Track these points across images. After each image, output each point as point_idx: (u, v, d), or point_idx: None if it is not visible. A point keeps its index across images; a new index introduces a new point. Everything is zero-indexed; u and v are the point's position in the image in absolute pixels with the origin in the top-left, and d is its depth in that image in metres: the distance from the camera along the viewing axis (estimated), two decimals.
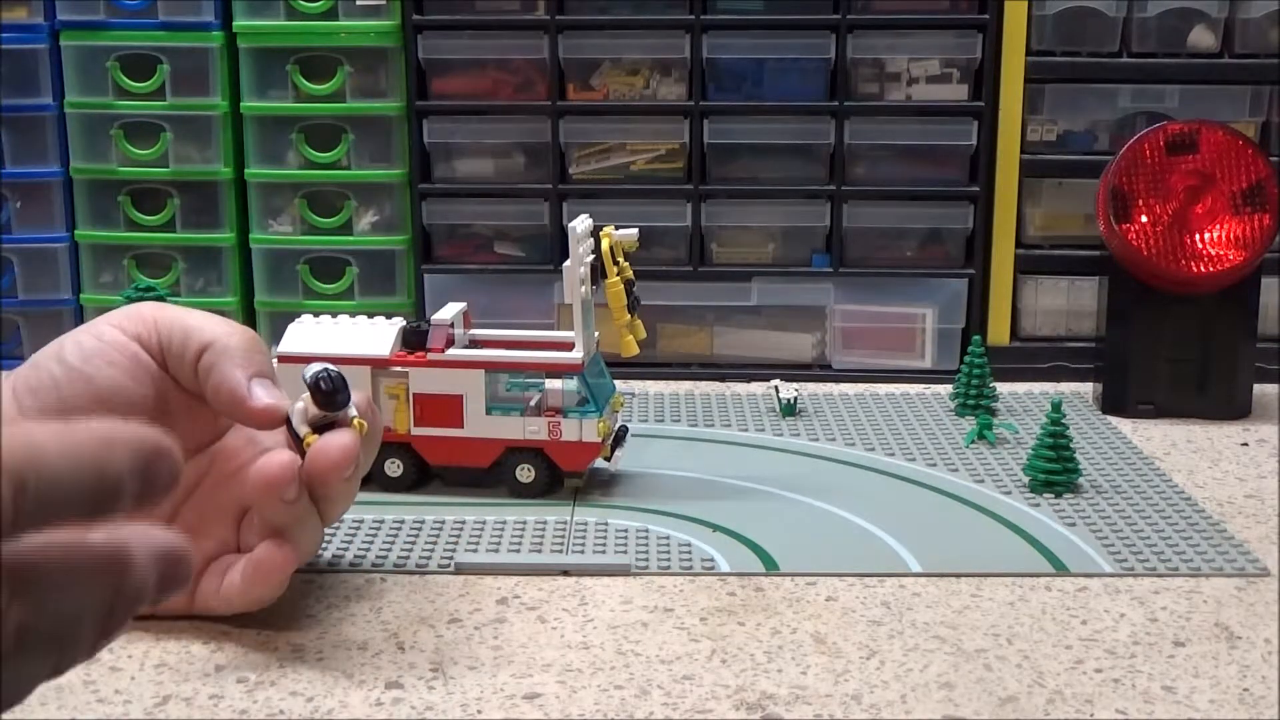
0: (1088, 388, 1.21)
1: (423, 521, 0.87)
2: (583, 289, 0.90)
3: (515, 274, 1.28)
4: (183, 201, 1.28)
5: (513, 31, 1.24)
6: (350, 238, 1.28)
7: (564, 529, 0.86)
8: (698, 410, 1.14)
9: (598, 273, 0.92)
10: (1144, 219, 1.11)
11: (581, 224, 0.91)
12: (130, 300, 1.03)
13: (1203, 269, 1.10)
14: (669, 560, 0.81)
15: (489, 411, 0.91)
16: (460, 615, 0.74)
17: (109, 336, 0.68)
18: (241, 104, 1.26)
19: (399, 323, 0.93)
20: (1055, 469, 0.93)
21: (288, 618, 0.72)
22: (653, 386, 1.23)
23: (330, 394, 0.69)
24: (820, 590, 0.77)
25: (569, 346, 0.93)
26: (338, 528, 0.85)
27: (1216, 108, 1.21)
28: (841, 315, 1.27)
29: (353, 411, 0.70)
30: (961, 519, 0.89)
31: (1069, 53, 1.22)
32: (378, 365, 0.91)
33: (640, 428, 1.08)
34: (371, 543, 0.84)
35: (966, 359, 1.12)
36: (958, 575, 0.79)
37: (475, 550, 0.82)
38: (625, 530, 0.86)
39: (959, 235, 1.26)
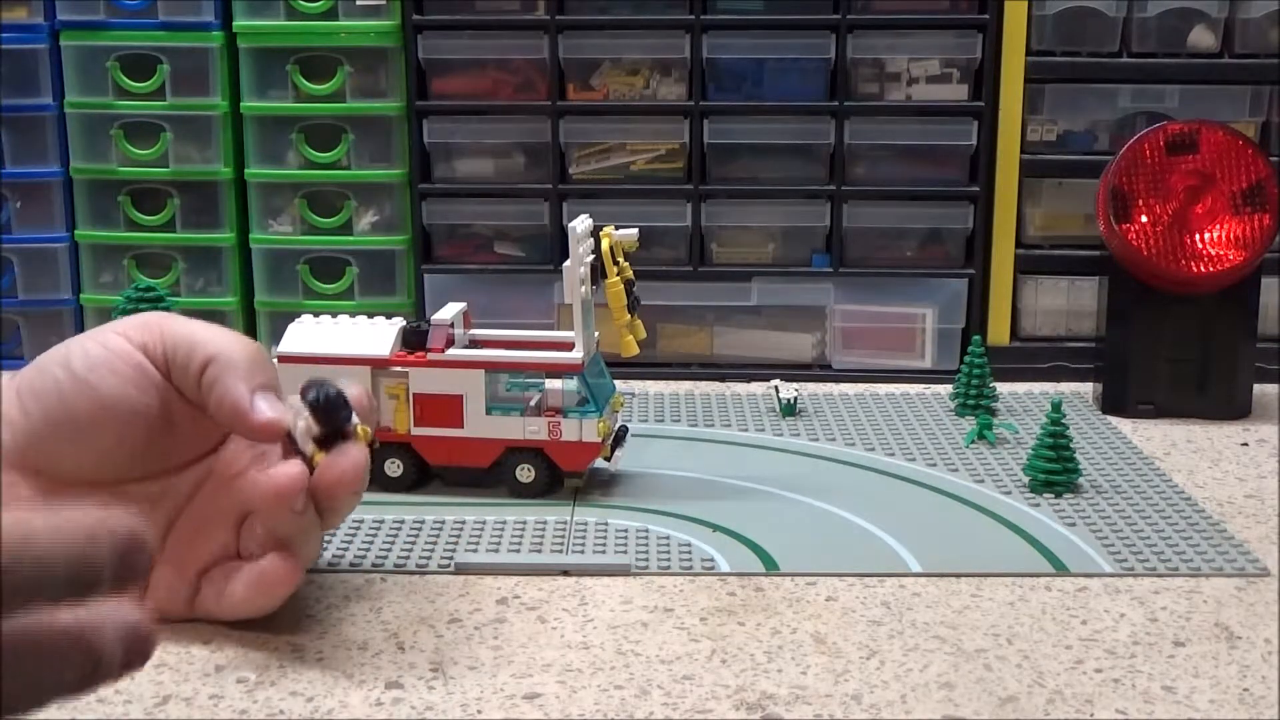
0: (1088, 388, 1.21)
1: (423, 521, 0.87)
2: (583, 289, 0.90)
3: (515, 274, 1.28)
4: (183, 201, 1.28)
5: (513, 31, 1.24)
6: (350, 238, 1.28)
7: (564, 529, 0.86)
8: (698, 410, 1.14)
9: (598, 273, 0.92)
10: (1144, 219, 1.11)
11: (581, 224, 0.91)
12: (130, 300, 1.04)
13: (1203, 269, 1.10)
14: (669, 560, 0.81)
15: (489, 411, 0.91)
16: (460, 615, 0.74)
17: (115, 345, 0.68)
18: (241, 104, 1.26)
19: (399, 323, 0.93)
20: (1055, 469, 0.93)
21: (288, 618, 0.72)
22: (653, 386, 1.23)
23: (330, 412, 0.68)
24: (820, 590, 0.77)
25: (569, 346, 0.93)
26: (338, 528, 0.85)
27: (1216, 108, 1.21)
28: (841, 315, 1.27)
29: (356, 420, 0.69)
30: (961, 519, 0.89)
31: (1069, 53, 1.22)
32: (378, 365, 0.91)
33: (640, 428, 1.08)
34: (371, 543, 0.84)
35: (966, 359, 1.12)
36: (958, 575, 0.79)
37: (475, 550, 0.82)
38: (625, 530, 0.86)
39: (959, 235, 1.26)
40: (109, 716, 0.63)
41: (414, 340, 0.92)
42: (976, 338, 1.13)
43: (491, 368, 0.92)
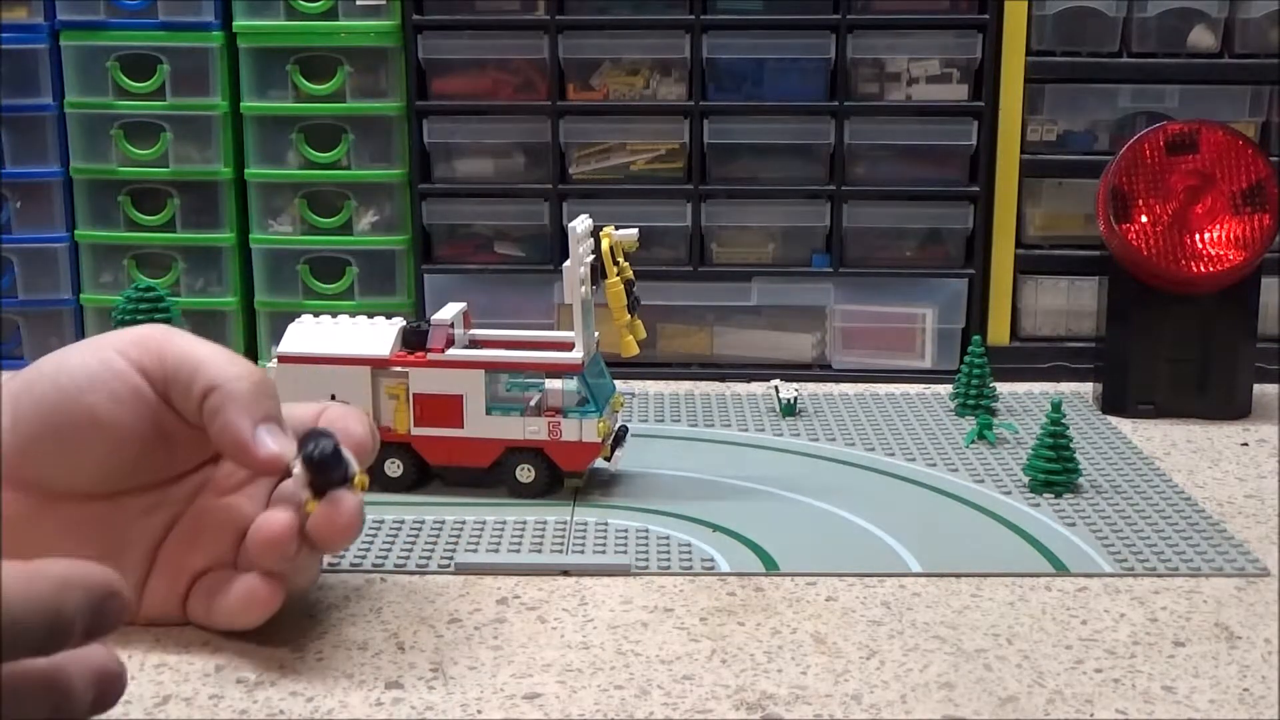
0: (1088, 388, 1.21)
1: (423, 521, 0.87)
2: (583, 289, 0.90)
3: (515, 274, 1.28)
4: (183, 201, 1.28)
5: (513, 31, 1.24)
6: (350, 238, 1.28)
7: (564, 529, 0.86)
8: (698, 410, 1.14)
9: (598, 273, 0.92)
10: (1144, 219, 1.11)
11: (581, 224, 0.91)
12: (130, 300, 1.04)
13: (1203, 269, 1.10)
14: (669, 560, 0.81)
15: (489, 411, 0.91)
16: (460, 615, 0.74)
17: (112, 363, 0.67)
18: (241, 104, 1.26)
19: (399, 323, 0.93)
20: (1055, 469, 0.93)
21: (288, 618, 0.72)
22: (653, 386, 1.23)
23: (323, 470, 0.66)
24: (820, 590, 0.77)
25: (569, 346, 0.93)
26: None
27: (1216, 108, 1.21)
28: (841, 315, 1.27)
29: (354, 468, 0.67)
30: (961, 519, 0.89)
31: (1069, 53, 1.22)
32: (378, 365, 0.92)
33: (640, 428, 1.08)
34: (371, 543, 0.84)
35: (966, 359, 1.12)
36: (958, 575, 0.79)
37: (475, 550, 0.82)
38: (625, 530, 0.86)
39: (959, 235, 1.26)
40: (109, 716, 0.63)
41: (414, 340, 0.92)
42: (976, 338, 1.13)
43: (491, 368, 0.92)
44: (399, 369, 0.91)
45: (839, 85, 1.23)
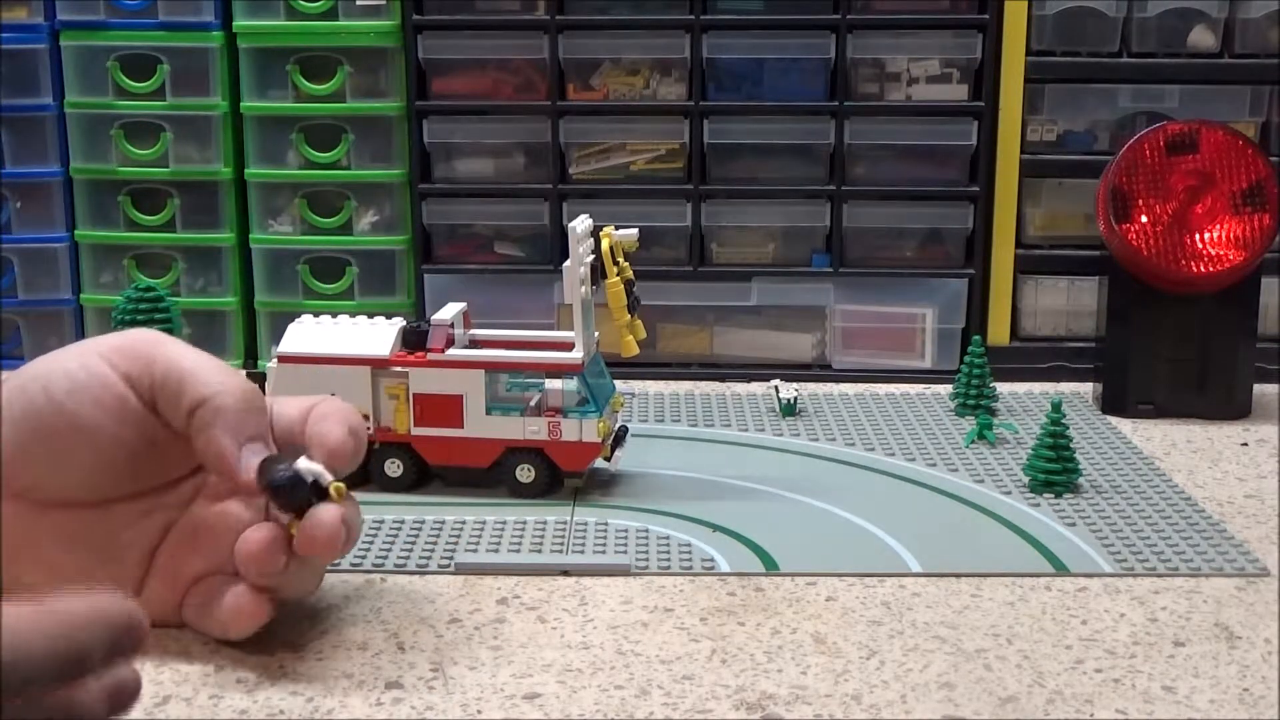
0: (1088, 388, 1.21)
1: (423, 521, 0.87)
2: (583, 289, 0.90)
3: (515, 274, 1.28)
4: (183, 201, 1.28)
5: (513, 31, 1.24)
6: (350, 238, 1.28)
7: (564, 529, 0.86)
8: (698, 410, 1.14)
9: (598, 273, 0.92)
10: (1144, 219, 1.11)
11: (581, 224, 0.91)
12: (130, 300, 1.03)
13: (1203, 269, 1.10)
14: (669, 560, 0.81)
15: (489, 411, 0.91)
16: (460, 615, 0.74)
17: (99, 372, 0.66)
18: (241, 104, 1.26)
19: (399, 323, 0.93)
20: (1055, 469, 0.93)
21: (288, 618, 0.72)
22: (653, 386, 1.23)
23: (285, 497, 0.66)
24: (820, 590, 0.77)
25: (569, 346, 0.93)
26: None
27: (1216, 108, 1.21)
28: (841, 315, 1.27)
29: (327, 479, 0.66)
30: (961, 519, 0.89)
31: (1069, 53, 1.22)
32: (378, 365, 0.92)
33: (640, 428, 1.08)
34: (371, 543, 0.84)
35: (966, 359, 1.12)
36: (958, 575, 0.79)
37: (475, 550, 0.82)
38: (625, 530, 0.86)
39: (959, 235, 1.26)
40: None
41: (414, 340, 0.92)
42: (976, 338, 1.13)
43: (491, 368, 0.92)
44: (399, 369, 0.91)
45: (839, 85, 1.23)
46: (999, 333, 1.26)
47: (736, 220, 1.27)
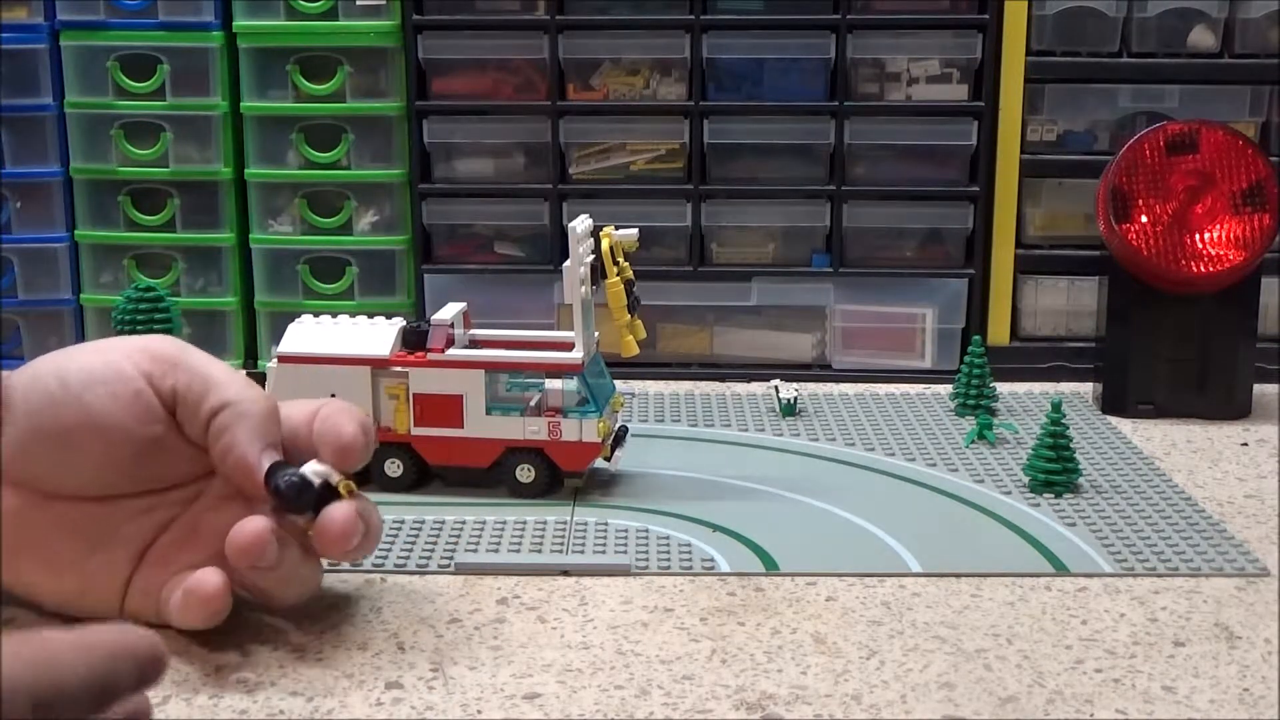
0: (1088, 388, 1.21)
1: (423, 521, 0.87)
2: (583, 289, 0.90)
3: (515, 274, 1.28)
4: (183, 201, 1.28)
5: (513, 31, 1.24)
6: (350, 238, 1.28)
7: (564, 529, 0.86)
8: (698, 410, 1.14)
9: (598, 273, 0.92)
10: (1144, 219, 1.11)
11: (581, 224, 0.91)
12: (130, 300, 1.03)
13: (1203, 269, 1.10)
14: (669, 560, 0.81)
15: (489, 411, 0.91)
16: (460, 615, 0.74)
17: (118, 367, 0.67)
18: (241, 104, 1.26)
19: (399, 323, 0.93)
20: (1055, 469, 0.93)
21: (288, 618, 0.72)
22: (653, 386, 1.23)
23: (290, 503, 0.66)
24: (820, 590, 0.77)
25: (569, 346, 0.93)
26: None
27: (1216, 108, 1.21)
28: (841, 315, 1.27)
29: (335, 478, 0.68)
30: (961, 519, 0.89)
31: (1069, 53, 1.22)
32: (378, 365, 0.92)
33: (640, 428, 1.08)
34: None
35: (966, 359, 1.12)
36: (958, 575, 0.79)
37: (475, 550, 0.82)
38: (625, 530, 0.86)
39: (959, 235, 1.26)
40: None
41: (414, 340, 0.92)
42: (976, 338, 1.13)
43: (491, 368, 0.92)
44: (399, 369, 0.91)
45: (839, 85, 1.23)
46: (999, 333, 1.26)
47: (736, 220, 1.27)
